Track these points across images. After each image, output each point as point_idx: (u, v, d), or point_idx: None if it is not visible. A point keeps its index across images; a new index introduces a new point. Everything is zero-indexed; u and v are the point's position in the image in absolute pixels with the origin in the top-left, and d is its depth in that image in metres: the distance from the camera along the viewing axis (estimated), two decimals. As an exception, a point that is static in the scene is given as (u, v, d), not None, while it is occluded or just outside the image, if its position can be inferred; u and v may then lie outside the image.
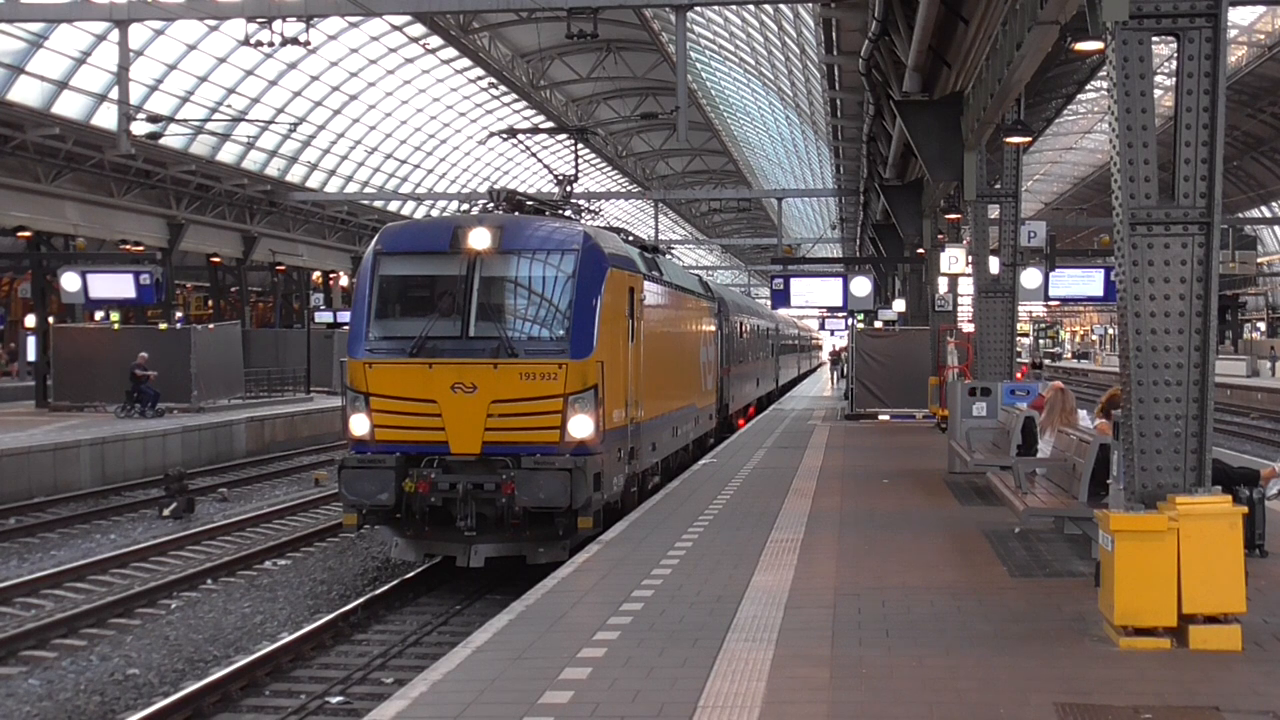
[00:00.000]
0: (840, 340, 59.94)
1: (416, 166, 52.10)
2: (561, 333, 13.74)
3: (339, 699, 10.45)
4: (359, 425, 13.71)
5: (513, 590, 12.37)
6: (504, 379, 13.42)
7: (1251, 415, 42.43)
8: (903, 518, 14.03)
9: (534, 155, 21.64)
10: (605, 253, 14.47)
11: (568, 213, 17.24)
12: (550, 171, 19.12)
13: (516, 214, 15.35)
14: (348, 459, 13.65)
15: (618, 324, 14.72)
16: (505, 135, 18.05)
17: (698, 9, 26.59)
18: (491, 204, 15.74)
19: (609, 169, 63.85)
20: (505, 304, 14.05)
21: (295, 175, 44.28)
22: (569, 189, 18.33)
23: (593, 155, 58.86)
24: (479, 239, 13.88)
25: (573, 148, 18.43)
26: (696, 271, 35.74)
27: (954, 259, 22.62)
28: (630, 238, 18.75)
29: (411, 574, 14.56)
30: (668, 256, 24.17)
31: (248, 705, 10.43)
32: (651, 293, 17.01)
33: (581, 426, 13.44)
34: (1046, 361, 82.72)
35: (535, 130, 20.68)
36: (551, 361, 13.48)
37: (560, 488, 13.03)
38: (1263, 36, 44.90)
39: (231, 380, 34.51)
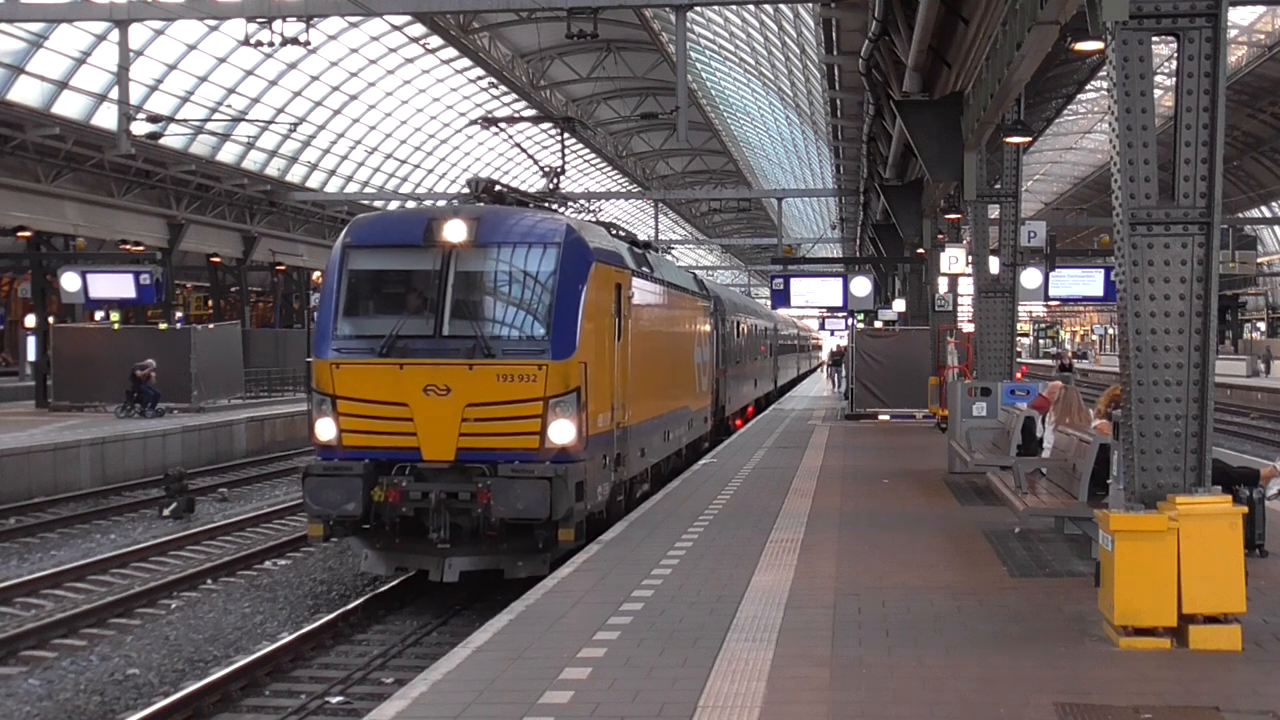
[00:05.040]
0: (840, 340, 59.89)
1: (416, 166, 52.11)
2: (542, 331, 12.93)
3: (339, 699, 10.44)
4: (325, 430, 12.97)
5: (513, 590, 12.35)
6: (480, 381, 12.63)
7: (1251, 415, 42.42)
8: (903, 518, 14.04)
9: (519, 147, 21.11)
10: (590, 246, 13.65)
11: (554, 206, 16.57)
12: (536, 163, 18.56)
13: (496, 205, 14.49)
14: (312, 466, 12.91)
15: (603, 322, 13.92)
16: (487, 123, 17.47)
17: (698, 9, 26.58)
18: (471, 195, 14.94)
19: (609, 169, 63.85)
20: (482, 301, 13.29)
21: (295, 175, 44.28)
22: (556, 181, 17.48)
23: (589, 153, 58.88)
24: (454, 231, 13.10)
25: (559, 138, 17.98)
26: (695, 271, 35.62)
27: (954, 259, 22.63)
28: (620, 232, 17.80)
29: (411, 574, 14.50)
30: (660, 253, 23.78)
31: (248, 705, 10.43)
32: (641, 290, 16.20)
33: (563, 432, 12.64)
34: (1042, 362, 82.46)
35: (518, 119, 20.20)
36: (531, 362, 12.69)
37: (539, 498, 12.22)
38: (1263, 36, 44.87)
39: (231, 380, 34.51)
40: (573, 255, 13.26)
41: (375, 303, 13.59)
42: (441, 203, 50.37)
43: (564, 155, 17.79)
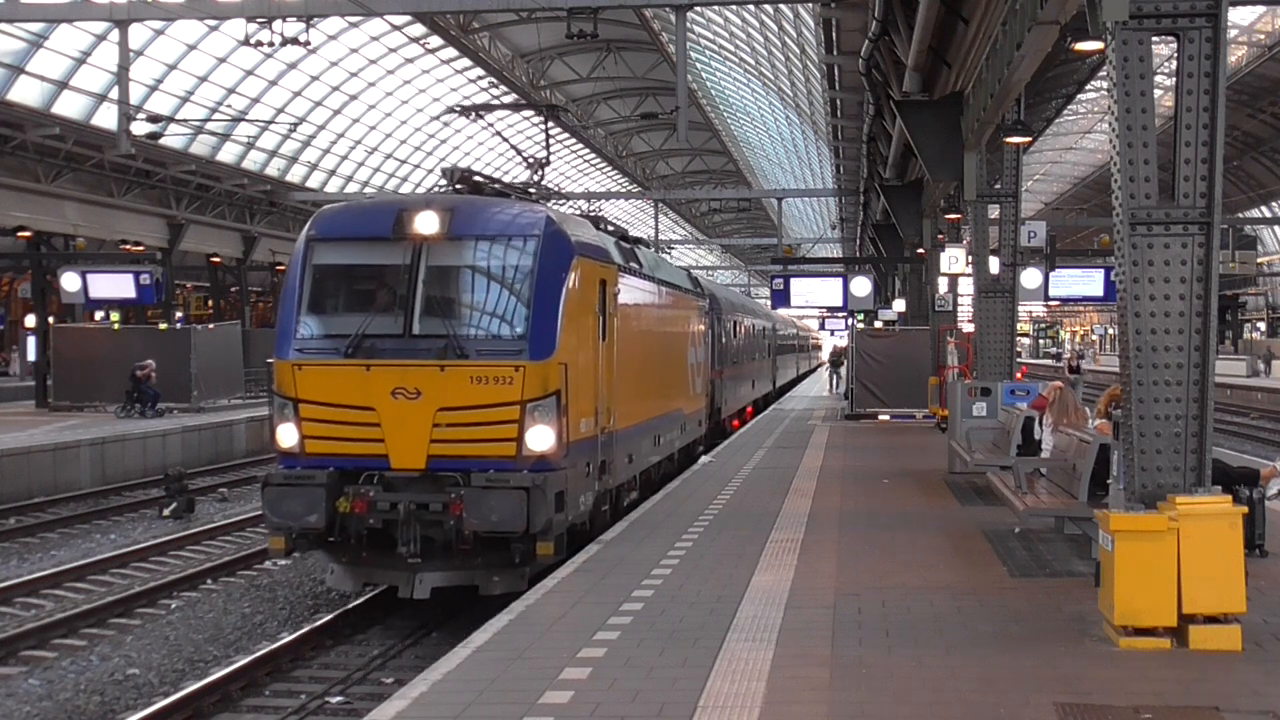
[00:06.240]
0: (840, 340, 59.84)
1: (416, 166, 52.11)
2: (519, 330, 12.01)
3: (339, 699, 10.44)
4: (287, 435, 12.10)
5: (514, 591, 12.35)
6: (452, 383, 11.75)
7: (1251, 415, 42.43)
8: (903, 518, 14.04)
9: (502, 137, 20.67)
10: (572, 240, 12.72)
11: (537, 198, 15.73)
12: (519, 153, 17.93)
13: (472, 196, 13.52)
14: (272, 475, 12.01)
15: (586, 321, 13.01)
16: (468, 111, 17.10)
17: (698, 9, 26.57)
18: (447, 185, 13.95)
19: (609, 169, 63.85)
20: (455, 298, 12.38)
21: (295, 175, 44.28)
22: (541, 173, 16.58)
23: (589, 153, 58.81)
24: (426, 223, 12.19)
25: (544, 127, 17.44)
26: (695, 271, 35.52)
27: (954, 259, 22.64)
28: (608, 227, 16.69)
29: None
30: (660, 251, 23.32)
31: (248, 705, 10.43)
32: (629, 287, 15.27)
33: (541, 438, 11.74)
34: (1042, 362, 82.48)
35: (498, 106, 19.65)
36: (507, 363, 11.79)
37: (515, 509, 11.36)
38: (1263, 36, 44.87)
39: (231, 380, 34.53)
40: (553, 249, 12.37)
41: (341, 299, 12.75)
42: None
43: (548, 145, 16.82)
